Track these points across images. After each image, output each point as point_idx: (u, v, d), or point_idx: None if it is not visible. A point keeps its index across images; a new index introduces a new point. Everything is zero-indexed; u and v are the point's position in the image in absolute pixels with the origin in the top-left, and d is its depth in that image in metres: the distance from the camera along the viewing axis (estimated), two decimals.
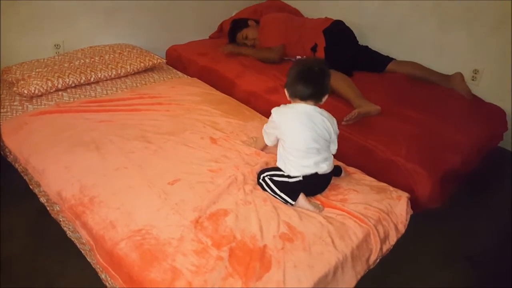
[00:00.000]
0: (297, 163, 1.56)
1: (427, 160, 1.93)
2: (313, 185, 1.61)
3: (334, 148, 1.66)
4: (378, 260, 1.53)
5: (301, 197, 1.54)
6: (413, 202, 1.74)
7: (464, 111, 2.41)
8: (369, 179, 1.76)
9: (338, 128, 1.65)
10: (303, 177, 1.56)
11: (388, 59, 2.86)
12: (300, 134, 1.55)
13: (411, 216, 1.67)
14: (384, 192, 1.68)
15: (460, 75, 2.64)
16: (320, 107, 1.60)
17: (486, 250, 2.02)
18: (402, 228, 1.62)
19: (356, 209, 1.54)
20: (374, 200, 1.62)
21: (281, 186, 1.56)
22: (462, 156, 2.04)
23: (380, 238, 1.50)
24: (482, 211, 2.27)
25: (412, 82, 2.68)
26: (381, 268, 1.58)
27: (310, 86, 1.54)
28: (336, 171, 1.70)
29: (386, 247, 1.55)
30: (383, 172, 1.91)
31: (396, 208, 1.63)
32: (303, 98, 1.56)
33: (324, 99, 1.60)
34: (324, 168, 1.57)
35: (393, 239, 1.57)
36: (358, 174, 1.80)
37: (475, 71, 2.80)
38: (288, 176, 1.58)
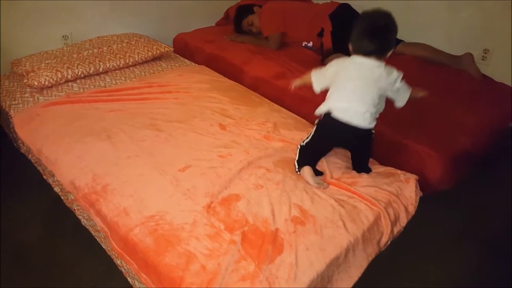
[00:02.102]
0: (332, 102, 1.57)
1: (437, 142, 1.92)
2: (333, 131, 1.60)
3: (399, 103, 1.62)
4: (389, 242, 1.53)
5: (306, 169, 1.56)
6: (424, 184, 1.74)
7: (474, 91, 2.38)
8: (377, 165, 1.77)
9: None
10: (325, 115, 1.58)
11: (397, 41, 2.82)
12: (351, 80, 1.55)
13: (423, 198, 1.67)
14: (392, 175, 1.69)
15: (470, 56, 2.60)
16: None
17: (498, 232, 2.01)
18: (412, 210, 1.62)
19: (366, 192, 1.55)
20: (384, 183, 1.62)
21: (302, 150, 1.62)
22: (472, 137, 2.02)
23: (391, 220, 1.51)
24: (493, 193, 2.26)
25: (421, 64, 2.65)
26: (392, 250, 1.59)
27: (374, 41, 1.51)
28: (366, 168, 1.70)
29: (397, 229, 1.56)
30: (393, 155, 1.91)
31: (405, 190, 1.64)
32: (367, 54, 1.53)
33: (388, 54, 1.57)
34: (356, 118, 1.53)
35: (403, 221, 1.58)
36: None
37: (485, 51, 2.75)
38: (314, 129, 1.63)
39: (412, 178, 1.67)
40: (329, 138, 1.65)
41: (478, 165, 2.26)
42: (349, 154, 1.76)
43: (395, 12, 3.13)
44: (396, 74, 1.56)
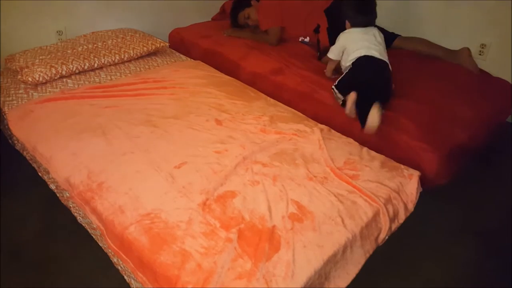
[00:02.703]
0: (353, 55, 2.05)
1: (434, 136, 1.91)
2: (364, 66, 2.01)
3: None
4: (386, 238, 1.53)
5: (353, 94, 1.89)
6: (421, 178, 1.74)
7: (471, 86, 2.37)
8: (382, 157, 1.76)
9: None
10: (359, 58, 2.01)
11: (394, 36, 2.81)
12: (362, 40, 2.07)
13: (420, 193, 1.66)
14: (395, 170, 1.68)
15: (467, 50, 2.58)
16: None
17: (495, 226, 2.01)
18: (411, 207, 1.62)
19: (367, 187, 1.54)
20: (386, 178, 1.61)
21: (339, 86, 2.05)
22: (469, 131, 2.01)
23: (390, 217, 1.50)
24: (491, 187, 2.26)
25: (419, 58, 2.64)
26: (390, 246, 1.58)
27: (367, 16, 2.12)
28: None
29: (395, 225, 1.55)
30: (389, 149, 1.89)
31: (407, 187, 1.63)
32: (363, 26, 2.12)
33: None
34: (375, 53, 2.02)
35: (402, 217, 1.57)
36: (370, 151, 1.79)
37: (482, 46, 2.75)
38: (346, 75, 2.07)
39: (415, 175, 1.66)
40: (363, 71, 2.01)
41: (477, 160, 2.26)
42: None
43: (393, 6, 3.18)
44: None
